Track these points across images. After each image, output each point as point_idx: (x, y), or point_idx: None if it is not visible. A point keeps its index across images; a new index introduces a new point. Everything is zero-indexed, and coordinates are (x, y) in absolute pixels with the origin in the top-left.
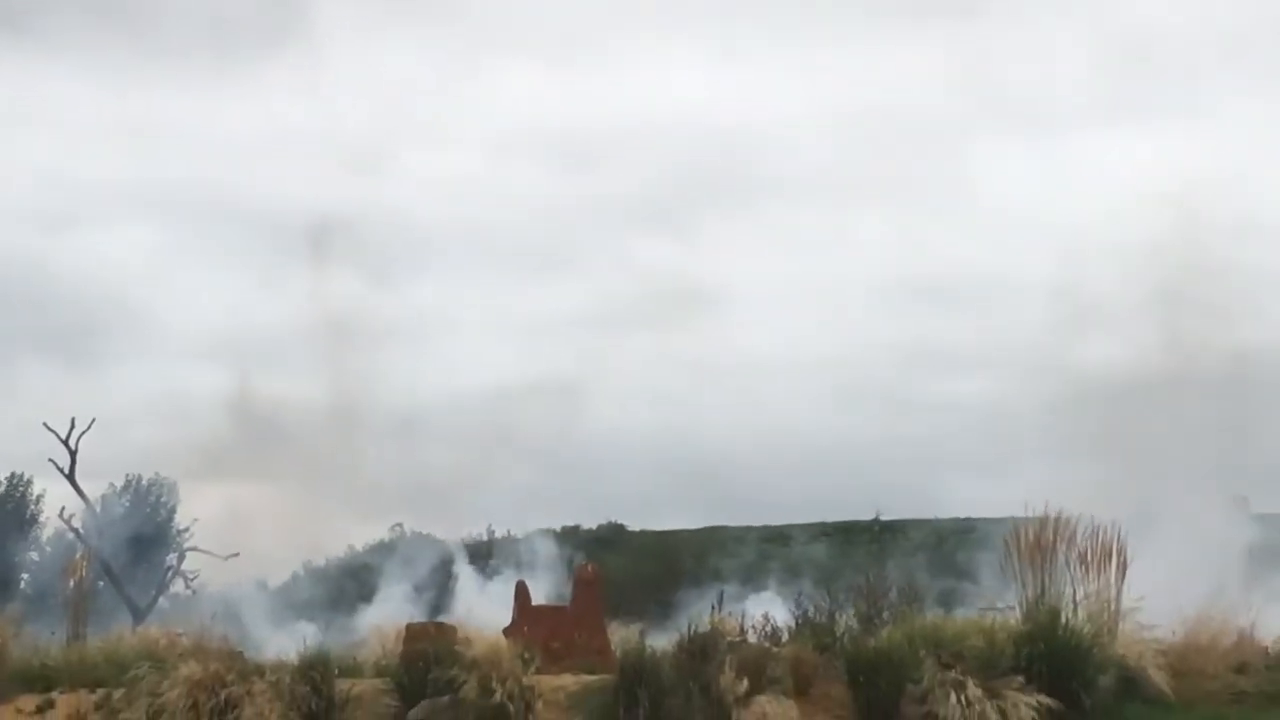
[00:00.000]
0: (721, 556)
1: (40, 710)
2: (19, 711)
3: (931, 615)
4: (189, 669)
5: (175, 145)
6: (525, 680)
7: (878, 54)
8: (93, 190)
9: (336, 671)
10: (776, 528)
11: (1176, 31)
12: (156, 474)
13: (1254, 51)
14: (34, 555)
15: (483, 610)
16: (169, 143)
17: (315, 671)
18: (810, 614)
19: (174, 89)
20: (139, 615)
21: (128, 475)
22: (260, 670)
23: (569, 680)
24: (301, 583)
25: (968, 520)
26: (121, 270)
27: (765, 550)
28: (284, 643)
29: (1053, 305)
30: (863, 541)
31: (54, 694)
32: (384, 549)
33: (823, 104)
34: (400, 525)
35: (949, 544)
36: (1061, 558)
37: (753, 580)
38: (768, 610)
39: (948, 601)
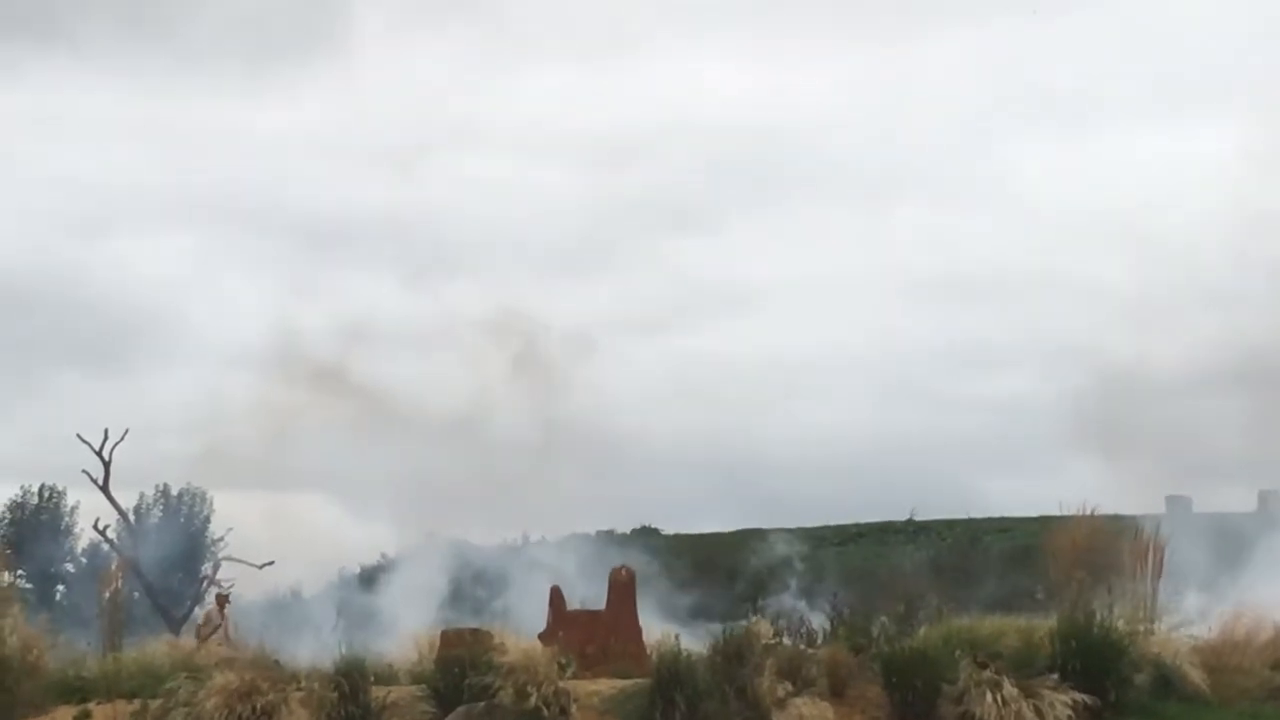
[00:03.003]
0: (756, 558)
1: None
2: None
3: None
4: (225, 678)
5: (210, 151)
6: (561, 685)
7: (910, 51)
8: (127, 197)
9: (372, 679)
10: (811, 529)
11: (1208, 26)
12: (189, 484)
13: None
14: (69, 567)
15: (519, 615)
16: (203, 149)
17: (350, 679)
18: (845, 615)
19: (208, 94)
20: (175, 626)
21: (157, 485)
22: (296, 679)
23: (604, 685)
24: (334, 590)
25: (1003, 519)
26: (156, 278)
27: (800, 552)
28: (319, 651)
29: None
30: (898, 542)
31: (90, 705)
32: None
33: (855, 101)
34: (434, 532)
35: (984, 543)
36: (1098, 557)
37: (788, 582)
38: (803, 612)
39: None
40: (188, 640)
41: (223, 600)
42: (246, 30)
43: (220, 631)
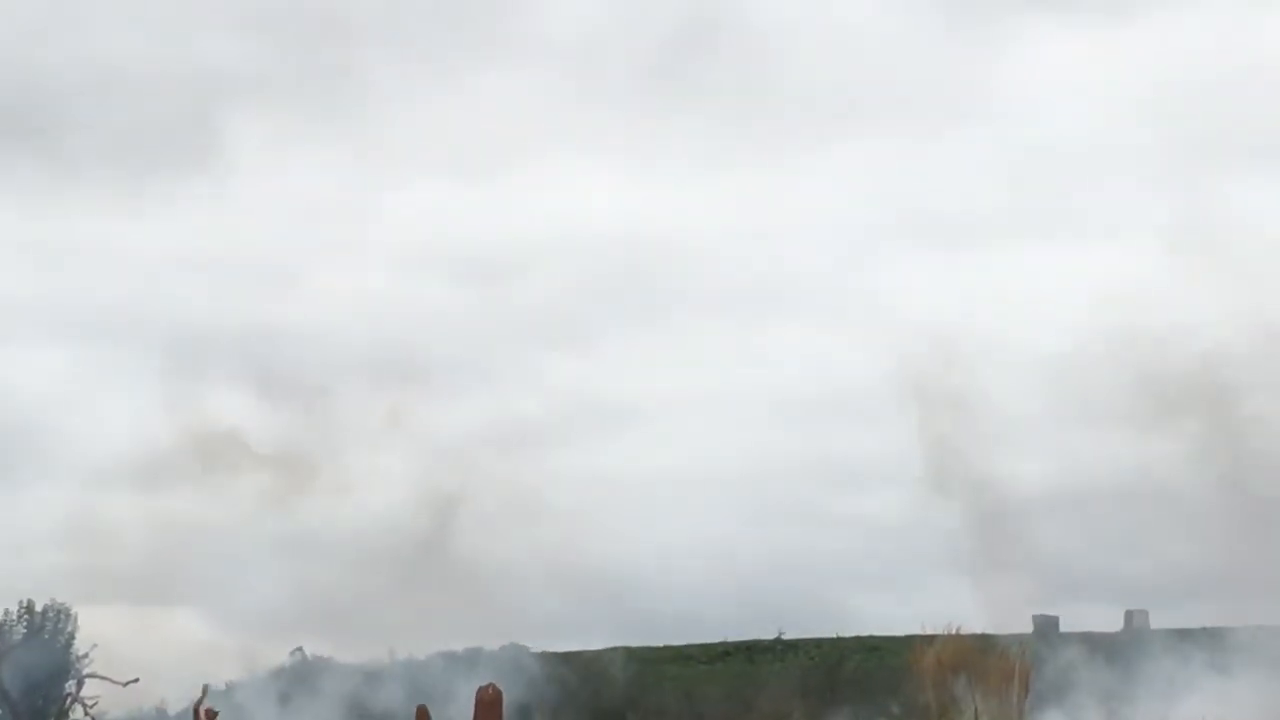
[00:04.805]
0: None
1: None
2: None
3: None
4: None
5: (85, 265)
6: None
7: (788, 170)
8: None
9: None
10: (678, 647)
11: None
12: (53, 600)
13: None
14: None
15: None
16: (78, 263)
17: None
18: None
19: (84, 210)
20: None
21: (20, 601)
22: None
23: None
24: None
25: (871, 638)
26: (30, 392)
27: (667, 671)
28: None
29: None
30: (765, 660)
31: None
32: (285, 674)
33: (732, 219)
34: (300, 649)
35: (852, 662)
36: (964, 675)
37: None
38: None
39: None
40: None
41: None
42: (124, 145)
43: None
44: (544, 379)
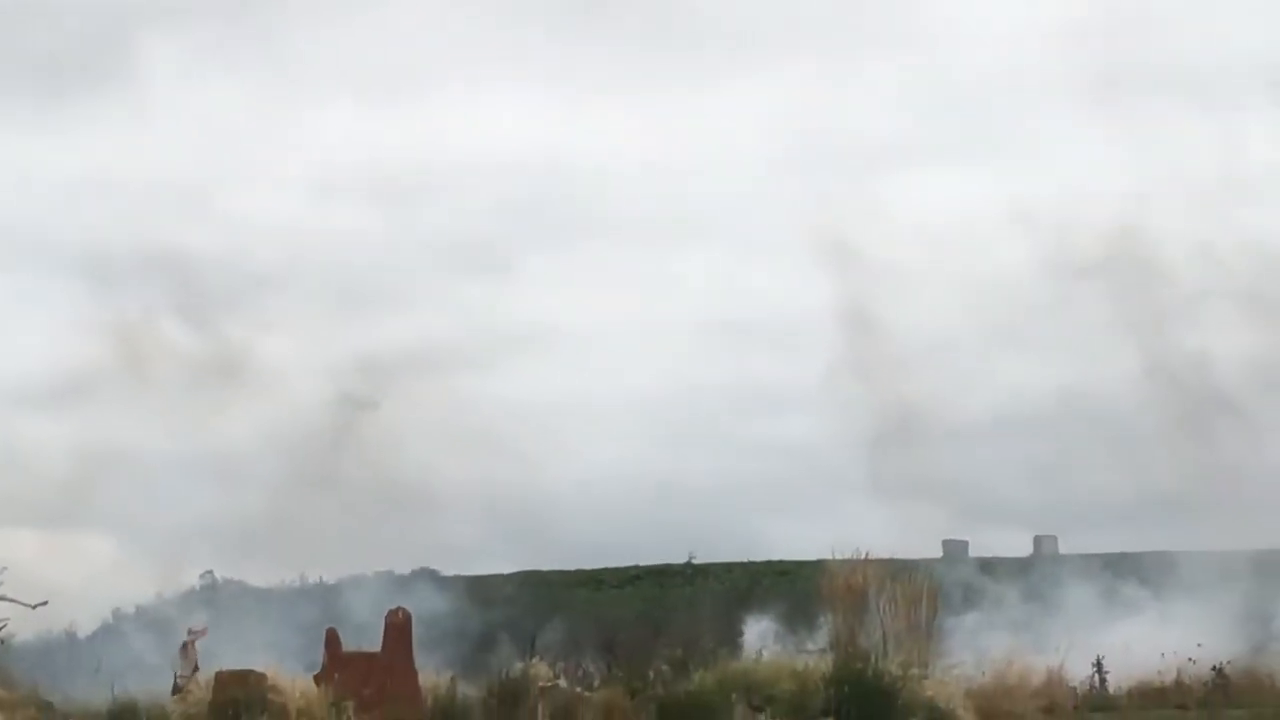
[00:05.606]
0: (534, 602)
1: None
2: None
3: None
4: None
5: None
6: None
7: (700, 98)
8: None
9: None
10: (590, 571)
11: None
12: None
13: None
14: None
15: (295, 657)
16: None
17: None
18: (622, 658)
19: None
20: None
21: None
22: (65, 719)
23: None
24: (111, 632)
25: (781, 563)
26: None
27: (578, 595)
28: (93, 692)
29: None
30: (675, 585)
31: None
32: (195, 596)
33: (647, 145)
34: (211, 572)
35: (762, 586)
36: (873, 601)
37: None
38: (580, 656)
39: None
40: None
41: None
42: (37, 66)
43: None
44: (459, 302)
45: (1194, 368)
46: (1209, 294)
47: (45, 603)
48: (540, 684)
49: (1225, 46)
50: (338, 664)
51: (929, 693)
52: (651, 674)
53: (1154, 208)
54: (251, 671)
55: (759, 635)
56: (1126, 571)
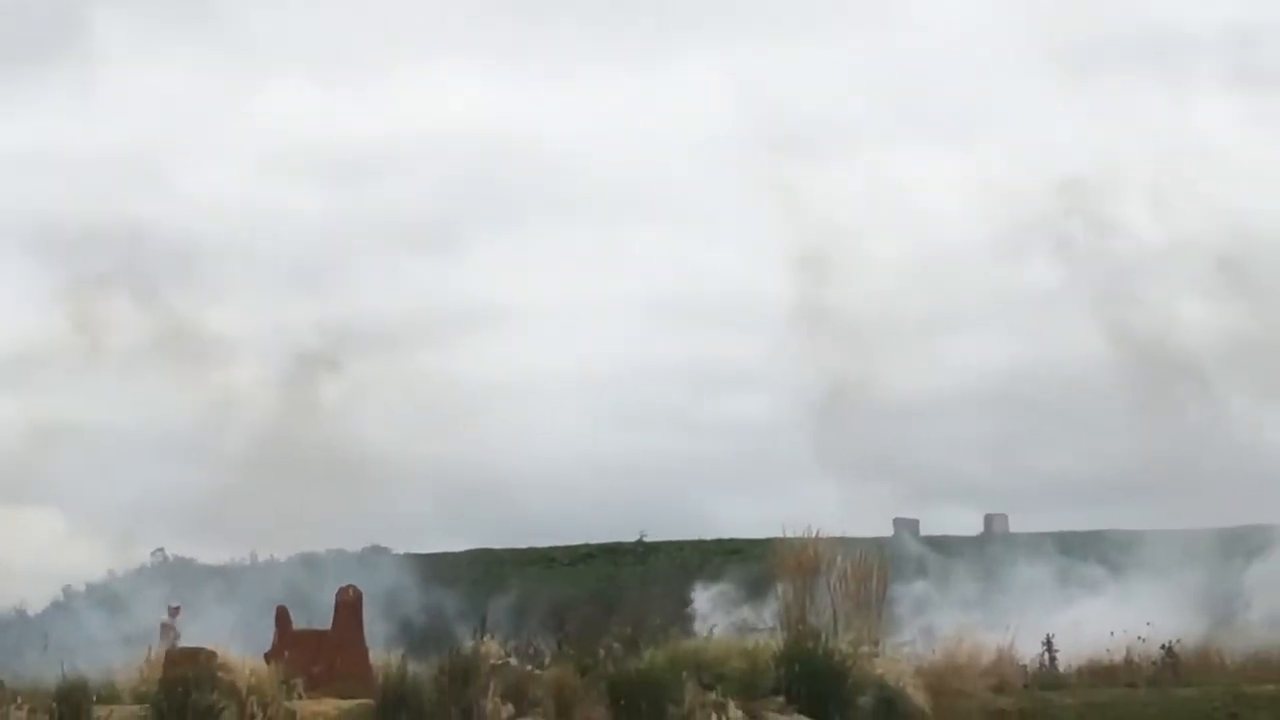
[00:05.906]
0: (486, 579)
1: None
2: None
3: (694, 638)
4: None
5: None
6: (286, 705)
7: (649, 76)
8: None
9: (94, 698)
10: (541, 550)
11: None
12: None
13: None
14: None
15: (245, 634)
16: None
17: (72, 699)
18: (573, 636)
19: None
20: None
21: None
22: (14, 697)
23: (330, 705)
24: (62, 609)
25: (733, 541)
26: None
27: (529, 573)
28: (42, 669)
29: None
30: (627, 563)
31: None
32: (146, 574)
33: (598, 122)
34: (161, 550)
35: (713, 565)
36: (823, 579)
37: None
38: (530, 634)
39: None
40: None
41: None
42: None
43: None
44: (410, 279)
45: (1152, 342)
46: (1169, 267)
47: None
48: (491, 662)
49: (1187, 15)
50: (288, 642)
51: (879, 670)
52: (602, 652)
53: (1112, 181)
54: (201, 649)
55: (709, 613)
56: (1078, 550)
